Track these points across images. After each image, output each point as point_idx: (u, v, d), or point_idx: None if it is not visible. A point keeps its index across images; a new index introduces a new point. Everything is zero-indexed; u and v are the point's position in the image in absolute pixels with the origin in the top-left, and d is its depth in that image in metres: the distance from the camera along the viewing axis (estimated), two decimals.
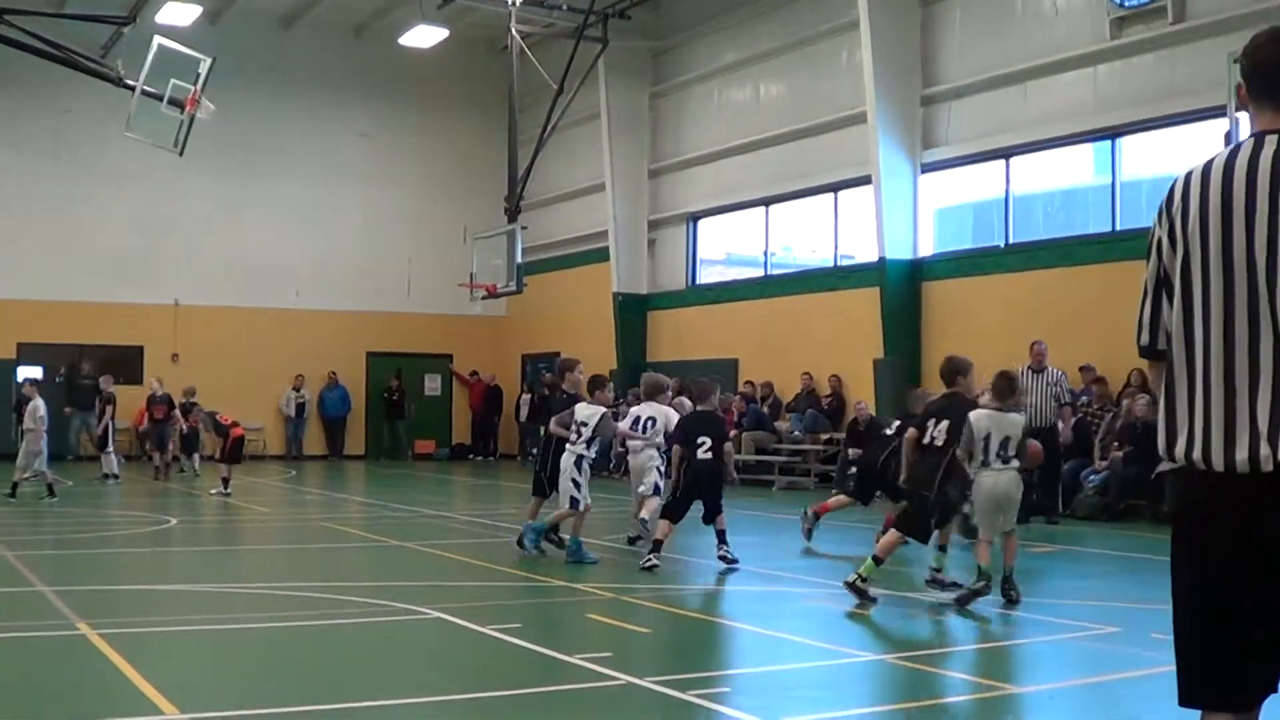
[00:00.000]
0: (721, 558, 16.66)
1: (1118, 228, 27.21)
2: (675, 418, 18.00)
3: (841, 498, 19.62)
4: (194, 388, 31.95)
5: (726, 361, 35.71)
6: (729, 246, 40.33)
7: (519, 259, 35.21)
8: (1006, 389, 13.74)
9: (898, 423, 16.93)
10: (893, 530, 14.15)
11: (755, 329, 35.54)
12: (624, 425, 18.59)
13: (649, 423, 18.18)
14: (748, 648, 12.12)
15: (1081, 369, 26.09)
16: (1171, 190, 4.85)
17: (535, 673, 10.21)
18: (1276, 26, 4.98)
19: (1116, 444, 23.98)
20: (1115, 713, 9.50)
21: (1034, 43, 28.61)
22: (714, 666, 11.10)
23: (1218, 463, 4.55)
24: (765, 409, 33.90)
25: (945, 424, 14.01)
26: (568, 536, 17.18)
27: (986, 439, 13.26)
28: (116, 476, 30.64)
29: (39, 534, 21.11)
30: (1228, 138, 21.55)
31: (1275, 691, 4.60)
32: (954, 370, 14.58)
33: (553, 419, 17.84)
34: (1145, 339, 4.99)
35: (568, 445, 17.15)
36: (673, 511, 16.90)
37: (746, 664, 11.18)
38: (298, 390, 43.14)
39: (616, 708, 9.28)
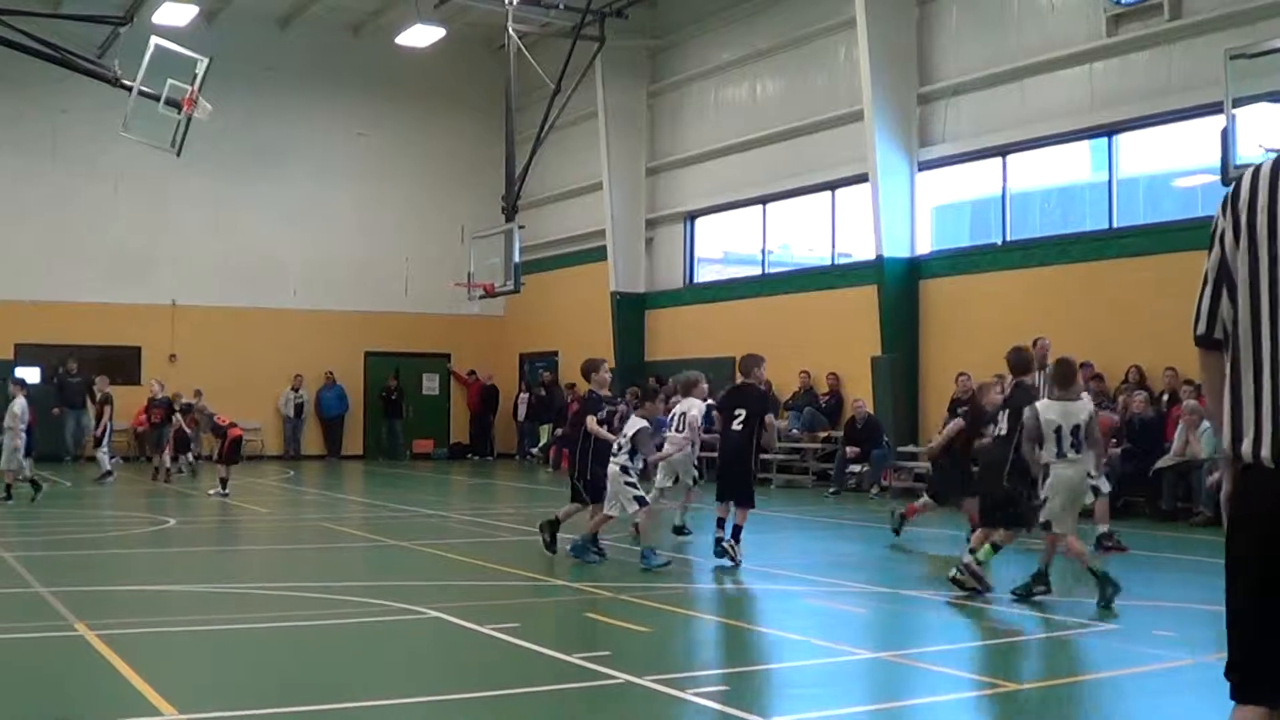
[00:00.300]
0: (719, 546, 16.83)
1: (1114, 225, 27.22)
2: (703, 408, 18.16)
3: (926, 500, 19.41)
4: (200, 390, 31.66)
5: (724, 360, 35.63)
6: (726, 245, 40.33)
7: (516, 258, 35.18)
8: (1067, 376, 13.56)
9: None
10: (983, 530, 14.19)
11: (753, 327, 35.51)
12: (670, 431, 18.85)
13: (680, 418, 18.22)
14: (746, 646, 12.12)
15: (1080, 365, 26.07)
16: (1238, 184, 4.84)
17: (534, 672, 10.21)
18: None
19: (1115, 440, 23.97)
20: (1116, 709, 9.51)
21: (1030, 40, 28.61)
22: (713, 665, 11.11)
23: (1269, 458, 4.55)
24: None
25: (1008, 414, 14.31)
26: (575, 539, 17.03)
27: (1057, 431, 13.11)
28: (110, 474, 30.60)
29: (36, 534, 21.11)
30: (1224, 135, 21.55)
31: None
32: (1023, 363, 14.70)
33: (589, 418, 17.64)
34: (1202, 328, 4.95)
35: (611, 456, 16.83)
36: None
37: (745, 662, 11.18)
38: (296, 390, 43.11)
39: (615, 706, 9.29)
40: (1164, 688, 10.07)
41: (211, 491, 27.37)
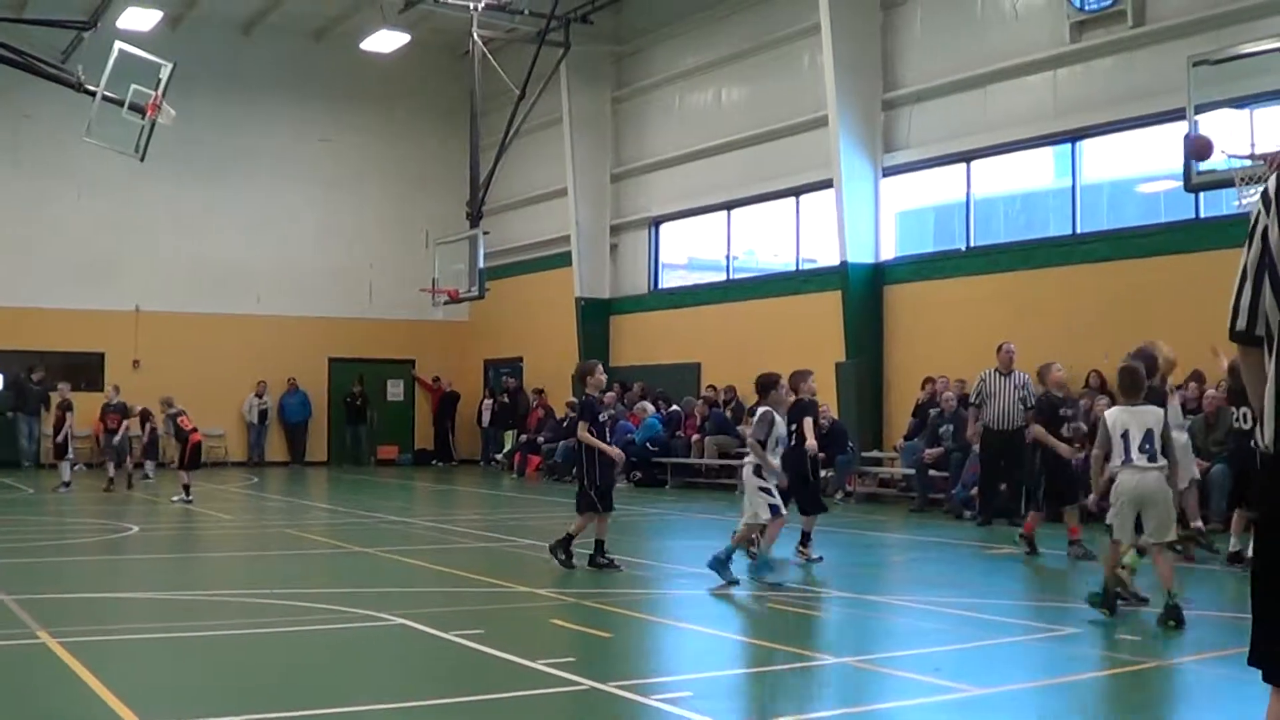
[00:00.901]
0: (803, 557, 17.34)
1: (1078, 230, 27.33)
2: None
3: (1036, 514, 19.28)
4: (171, 398, 31.07)
5: (689, 365, 35.78)
6: (691, 251, 40.38)
7: (481, 264, 35.20)
8: (1131, 384, 13.41)
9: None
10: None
11: (717, 333, 35.58)
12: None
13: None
14: (711, 652, 12.11)
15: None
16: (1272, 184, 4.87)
17: (498, 678, 10.20)
18: None
19: (1079, 445, 24.01)
20: (1076, 713, 9.52)
21: (994, 46, 28.71)
22: (677, 671, 11.10)
23: None
24: (728, 413, 33.93)
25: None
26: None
27: (1125, 435, 12.97)
28: (67, 484, 30.34)
29: None
30: (1187, 140, 21.64)
31: None
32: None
33: (580, 425, 17.37)
34: (1243, 323, 4.91)
35: (748, 456, 16.33)
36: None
37: (709, 668, 11.17)
38: (259, 396, 43.04)
39: (579, 713, 9.29)
40: (1124, 690, 10.10)
41: (175, 499, 27.27)
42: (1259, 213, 4.86)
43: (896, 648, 12.07)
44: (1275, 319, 4.78)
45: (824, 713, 9.63)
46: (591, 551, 16.69)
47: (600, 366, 18.03)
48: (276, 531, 23.53)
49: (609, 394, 36.96)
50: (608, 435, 17.38)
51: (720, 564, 15.06)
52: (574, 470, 18.12)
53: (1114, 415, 12.79)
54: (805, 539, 17.57)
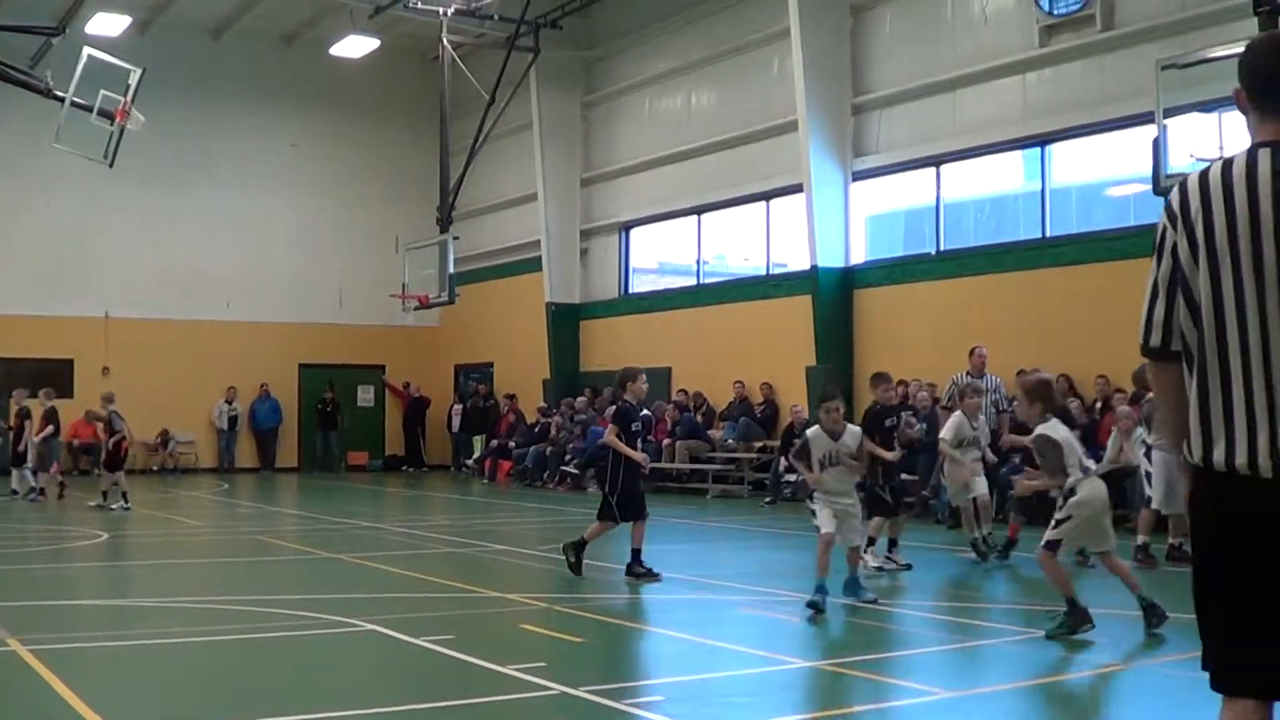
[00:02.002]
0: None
1: (1048, 234, 27.39)
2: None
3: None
4: (112, 393, 30.57)
5: (659, 370, 35.74)
6: (661, 255, 40.38)
7: (451, 269, 35.15)
8: (1051, 395, 13.35)
9: None
10: None
11: (688, 338, 35.60)
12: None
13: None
14: (682, 656, 12.11)
15: (1018, 374, 26.18)
16: (1184, 194, 4.93)
17: (469, 683, 10.18)
18: (1276, 32, 5.16)
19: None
20: (1048, 715, 9.54)
21: (964, 51, 28.76)
22: (648, 675, 11.10)
23: (1265, 469, 4.63)
24: (699, 417, 33.96)
25: None
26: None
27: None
28: (34, 490, 29.86)
29: None
30: (1155, 145, 21.70)
31: None
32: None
33: (609, 430, 17.15)
34: (1157, 339, 5.00)
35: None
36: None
37: (680, 672, 11.17)
38: (229, 403, 42.93)
39: (550, 718, 9.27)
40: (1096, 692, 10.11)
41: (115, 506, 26.90)
42: (1165, 228, 4.97)
43: (868, 651, 12.07)
44: (1192, 335, 4.86)
45: (796, 716, 9.63)
46: (629, 560, 16.43)
47: (643, 375, 17.51)
48: (247, 538, 23.45)
49: (580, 399, 37.03)
50: (638, 444, 17.01)
51: (853, 585, 14.35)
52: (595, 476, 17.90)
53: (1059, 430, 12.66)
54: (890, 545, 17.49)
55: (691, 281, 37.95)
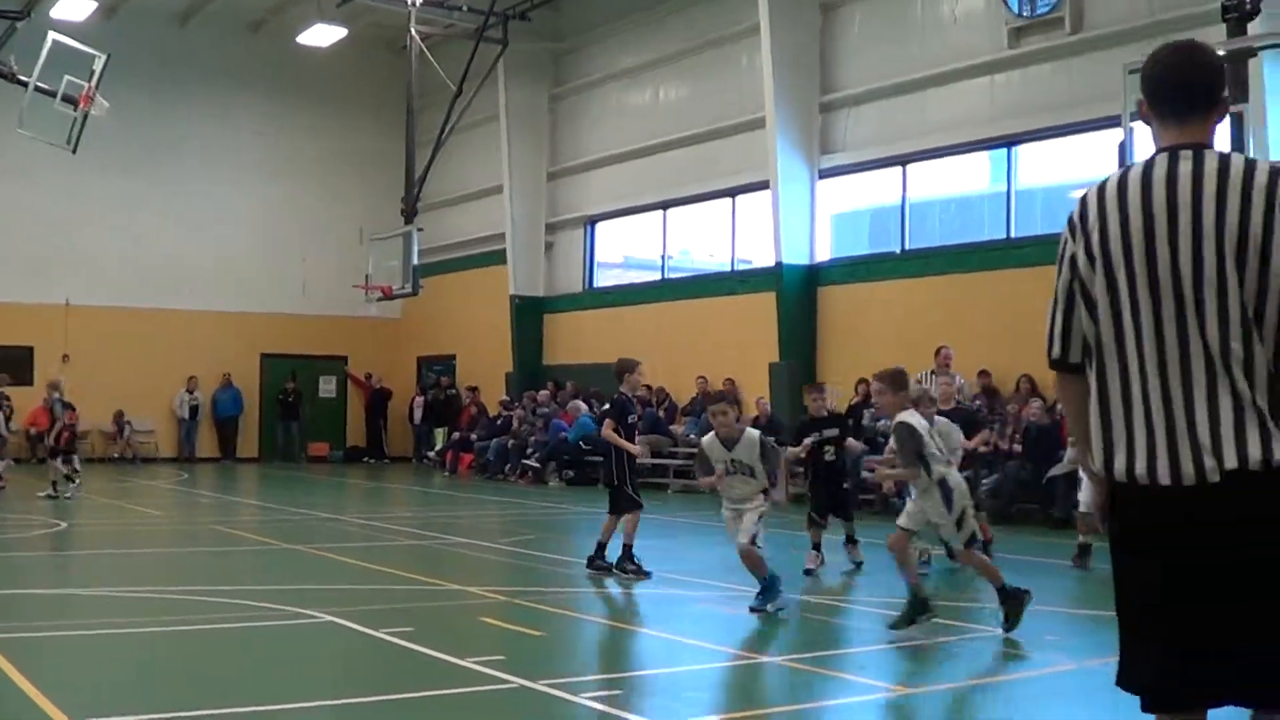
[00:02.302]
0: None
1: (1013, 235, 27.45)
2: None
3: None
4: (58, 380, 30.01)
5: None
6: (626, 250, 40.38)
7: (415, 260, 35.07)
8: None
9: None
10: None
11: (652, 332, 35.56)
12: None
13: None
14: (641, 650, 12.10)
15: (980, 374, 26.26)
16: (1084, 205, 4.95)
17: (428, 676, 10.15)
18: (1178, 41, 5.09)
19: (1009, 448, 24.17)
20: (1005, 713, 9.54)
21: (932, 51, 28.80)
22: (607, 669, 11.07)
23: (1164, 477, 4.63)
24: (661, 413, 33.93)
25: None
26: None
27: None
28: None
29: None
30: (1122, 148, 21.71)
31: (1224, 702, 4.70)
32: None
33: (606, 423, 17.01)
34: (1058, 351, 5.04)
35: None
36: None
37: (640, 667, 11.16)
38: (191, 392, 42.76)
39: (509, 711, 9.24)
40: (1052, 692, 10.12)
41: (68, 495, 26.65)
42: (1065, 239, 5.00)
43: (825, 647, 12.07)
44: (1092, 344, 4.89)
45: (753, 711, 9.62)
46: (591, 554, 16.32)
47: (640, 367, 17.55)
48: (206, 528, 23.35)
49: (543, 392, 36.99)
50: (634, 436, 16.79)
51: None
52: (601, 473, 17.46)
53: (916, 418, 12.52)
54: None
55: (656, 276, 37.95)
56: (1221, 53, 20.84)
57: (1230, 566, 4.52)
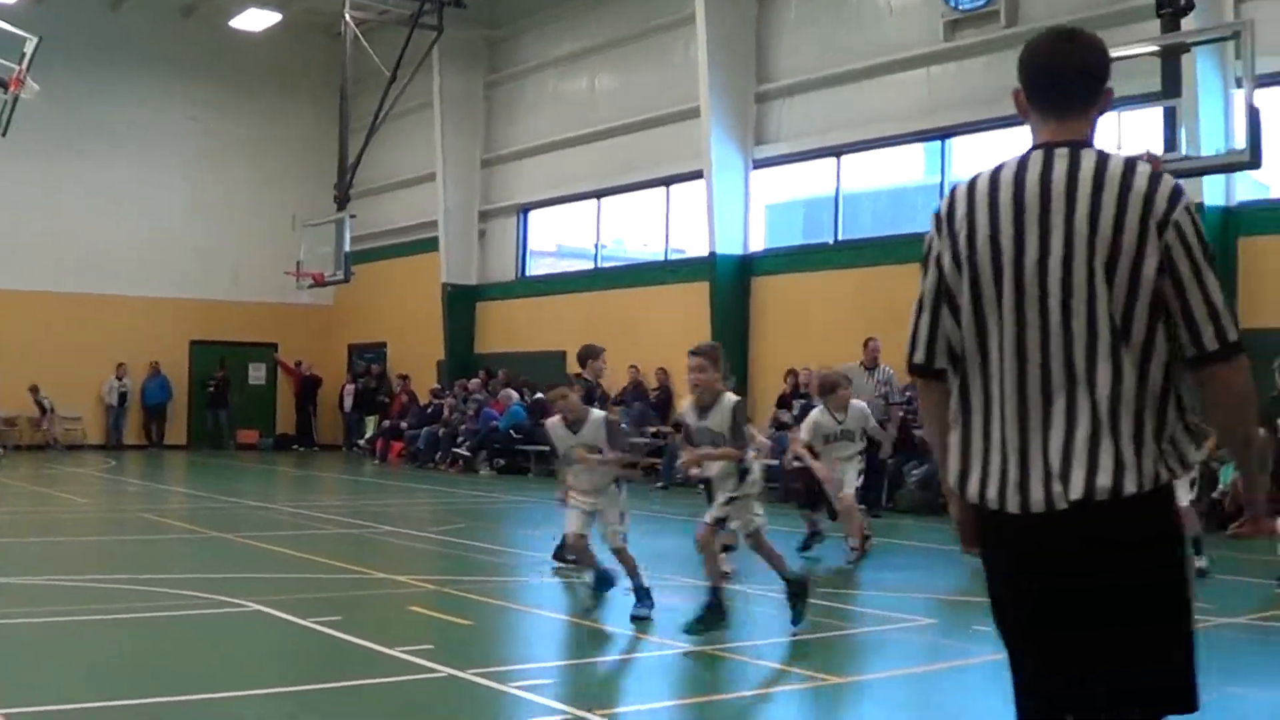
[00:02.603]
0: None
1: None
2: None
3: None
4: None
5: (554, 354, 35.58)
6: (560, 238, 40.36)
7: (347, 247, 34.92)
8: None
9: None
10: None
11: (584, 321, 35.50)
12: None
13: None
14: (570, 640, 12.08)
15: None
16: (952, 202, 4.68)
17: (355, 665, 10.09)
18: (1058, 27, 4.89)
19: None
20: (934, 703, 9.55)
21: (868, 42, 28.86)
22: (536, 659, 11.04)
23: (1012, 505, 4.38)
24: (595, 402, 33.86)
25: None
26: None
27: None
28: None
29: None
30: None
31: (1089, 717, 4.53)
32: None
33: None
34: (921, 356, 4.75)
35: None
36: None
37: (568, 656, 11.13)
38: (120, 379, 42.45)
39: (437, 701, 9.21)
40: (980, 682, 10.14)
41: None
42: (932, 237, 4.73)
43: (756, 636, 12.06)
44: (959, 352, 4.62)
45: (684, 700, 9.60)
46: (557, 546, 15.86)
47: (604, 353, 17.43)
48: (134, 516, 23.19)
49: (474, 381, 36.92)
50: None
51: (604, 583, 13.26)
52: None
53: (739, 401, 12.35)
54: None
55: (589, 266, 37.92)
56: (1153, 48, 21.04)
57: (1081, 595, 4.33)
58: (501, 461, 33.81)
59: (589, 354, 17.12)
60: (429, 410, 37.97)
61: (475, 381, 37.41)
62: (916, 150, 29.20)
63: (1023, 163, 4.55)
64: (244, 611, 12.22)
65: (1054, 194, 4.40)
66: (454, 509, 24.63)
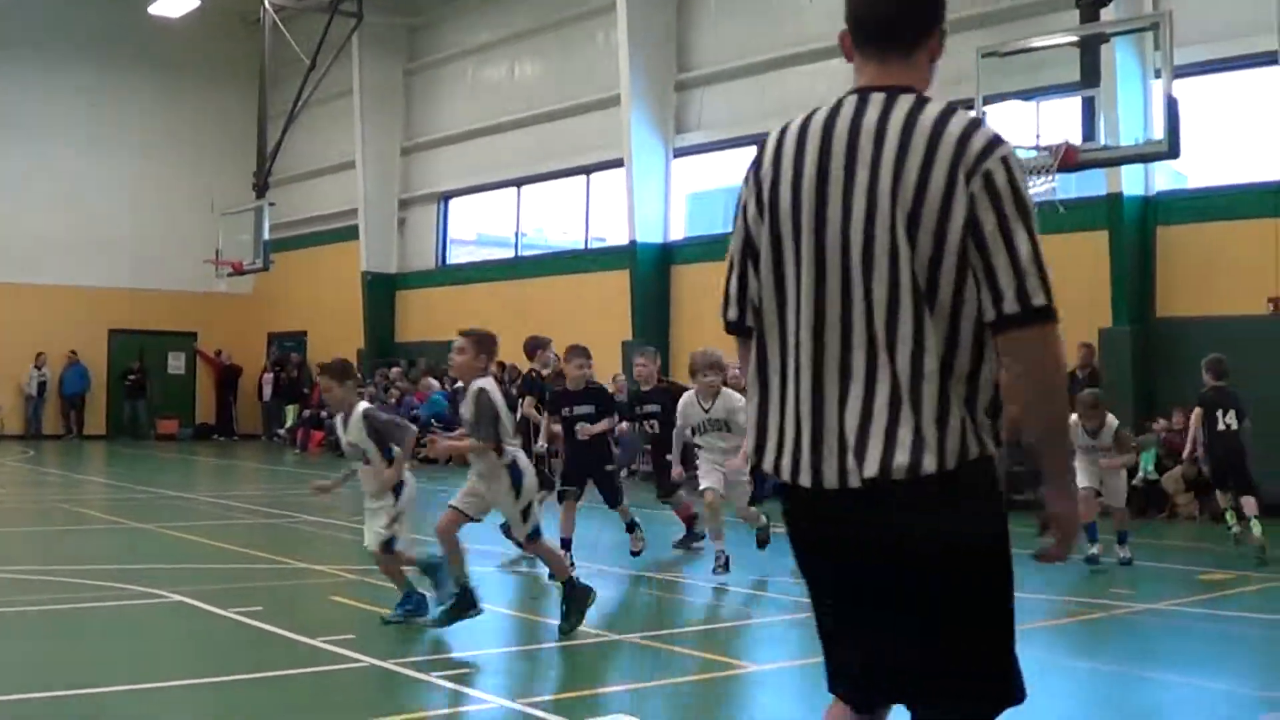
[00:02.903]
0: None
1: None
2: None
3: None
4: None
5: None
6: (480, 227, 40.32)
7: (266, 236, 34.83)
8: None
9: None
10: None
11: (505, 310, 35.44)
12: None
13: None
14: (492, 629, 12.06)
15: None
16: (762, 149, 4.40)
17: (277, 656, 10.05)
18: None
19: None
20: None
21: (789, 31, 28.94)
22: (458, 648, 11.02)
23: (805, 479, 4.03)
24: (513, 390, 33.84)
25: (1233, 412, 16.41)
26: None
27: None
28: None
29: None
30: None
31: (899, 702, 4.23)
32: (1222, 368, 16.68)
33: (525, 401, 16.56)
34: (733, 314, 4.36)
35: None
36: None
37: (491, 645, 11.12)
38: (39, 368, 42.12)
39: (359, 690, 9.20)
40: None
41: None
42: (742, 187, 4.44)
43: (678, 625, 12.11)
44: (757, 310, 4.29)
45: (606, 689, 9.62)
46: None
47: (552, 344, 17.03)
48: (53, 506, 23.05)
49: (395, 370, 36.80)
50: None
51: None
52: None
53: (495, 389, 11.99)
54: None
55: (510, 254, 37.92)
56: (1072, 38, 21.20)
57: (877, 580, 3.99)
58: (422, 450, 33.67)
59: (537, 345, 17.13)
60: None
61: (396, 370, 37.32)
62: None
63: (835, 109, 4.17)
64: (165, 602, 12.18)
65: (861, 142, 4.02)
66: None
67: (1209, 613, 12.71)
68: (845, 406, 3.95)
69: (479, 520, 11.39)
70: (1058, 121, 21.37)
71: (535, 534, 11.15)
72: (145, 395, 43.88)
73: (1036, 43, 21.69)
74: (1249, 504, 16.75)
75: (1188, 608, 12.91)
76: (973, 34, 24.35)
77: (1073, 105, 21.37)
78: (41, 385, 42.30)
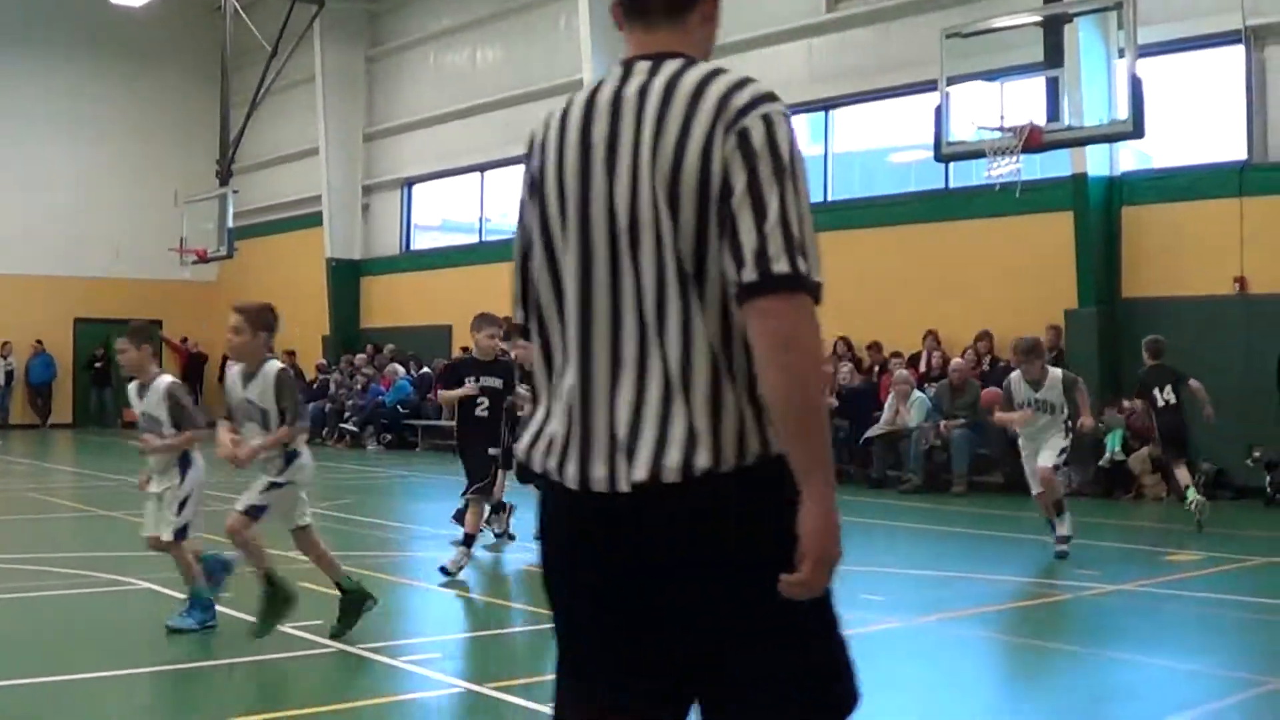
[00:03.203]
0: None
1: (829, 199, 27.64)
2: None
3: None
4: None
5: (440, 327, 35.58)
6: (444, 213, 40.27)
7: (230, 223, 34.76)
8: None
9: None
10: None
11: (469, 295, 35.29)
12: None
13: None
14: (461, 614, 12.11)
15: None
16: (540, 124, 3.95)
17: (245, 641, 10.04)
18: None
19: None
20: None
21: (750, 13, 28.88)
22: (426, 633, 11.06)
23: (571, 479, 3.58)
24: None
25: (1169, 387, 17.30)
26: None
27: None
28: None
29: None
30: (938, 112, 21.98)
31: None
32: (1159, 347, 17.58)
33: (439, 387, 16.44)
34: (519, 315, 3.94)
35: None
36: None
37: (459, 629, 11.16)
38: (5, 358, 41.99)
39: (327, 676, 9.23)
40: (872, 650, 10.25)
41: None
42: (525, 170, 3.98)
43: None
44: (535, 300, 3.85)
45: None
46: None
47: (485, 322, 16.26)
48: (20, 495, 22.99)
49: (360, 356, 36.76)
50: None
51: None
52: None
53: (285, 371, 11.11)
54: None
55: (474, 239, 37.87)
56: (1036, 18, 21.26)
57: (646, 596, 3.53)
58: (389, 436, 33.74)
59: (474, 327, 16.89)
60: (315, 386, 37.78)
61: (361, 357, 37.30)
62: (799, 121, 29.22)
63: (599, 83, 3.82)
64: (133, 589, 12.18)
65: (623, 113, 3.67)
66: (342, 485, 24.54)
67: (1176, 594, 12.76)
68: (616, 401, 3.54)
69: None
70: (1022, 102, 21.40)
71: (307, 529, 10.73)
72: (111, 383, 43.73)
73: (1000, 23, 21.74)
74: (1182, 474, 17.00)
75: (1155, 588, 12.97)
76: (936, 15, 24.42)
77: (1037, 86, 21.39)
78: (8, 375, 42.17)
